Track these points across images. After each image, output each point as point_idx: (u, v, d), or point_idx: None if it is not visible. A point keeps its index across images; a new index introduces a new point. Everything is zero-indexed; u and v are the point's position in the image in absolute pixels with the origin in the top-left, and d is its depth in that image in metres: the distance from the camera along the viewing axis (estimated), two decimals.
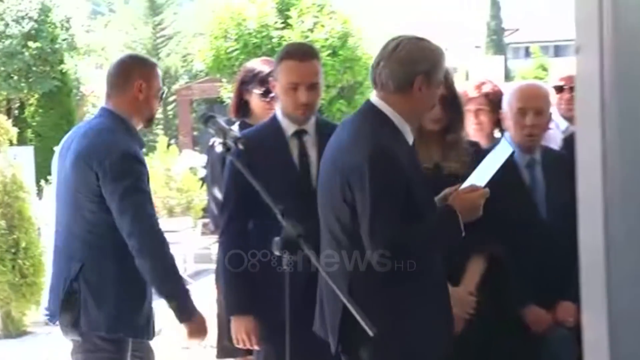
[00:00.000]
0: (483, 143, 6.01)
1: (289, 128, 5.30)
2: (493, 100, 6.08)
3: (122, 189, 5.32)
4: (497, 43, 52.58)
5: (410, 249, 4.63)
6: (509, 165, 5.29)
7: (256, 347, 5.32)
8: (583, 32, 1.90)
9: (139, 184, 5.38)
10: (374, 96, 4.90)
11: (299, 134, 5.32)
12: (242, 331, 5.27)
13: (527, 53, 57.80)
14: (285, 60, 5.24)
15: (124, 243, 5.31)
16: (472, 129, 6.15)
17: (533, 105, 5.57)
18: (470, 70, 37.13)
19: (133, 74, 5.65)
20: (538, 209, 5.54)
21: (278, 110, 5.39)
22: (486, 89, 6.20)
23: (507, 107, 5.61)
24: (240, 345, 5.34)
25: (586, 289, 2.05)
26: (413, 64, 4.67)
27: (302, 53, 5.41)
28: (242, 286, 5.25)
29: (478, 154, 5.48)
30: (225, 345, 6.38)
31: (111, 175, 5.36)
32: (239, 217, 5.35)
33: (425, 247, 4.53)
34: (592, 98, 1.91)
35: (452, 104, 5.26)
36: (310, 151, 5.31)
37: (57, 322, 5.54)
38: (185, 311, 5.54)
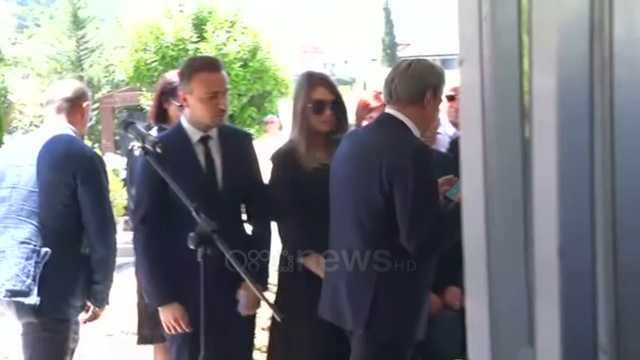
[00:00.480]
0: None
1: (195, 135, 5.29)
2: None
3: (95, 188, 5.82)
4: (391, 56, 52.94)
5: (443, 240, 4.71)
6: None
7: (187, 330, 5.29)
8: (465, 47, 1.92)
9: (106, 184, 5.65)
10: (389, 109, 5.13)
11: (204, 140, 5.30)
12: (170, 318, 5.25)
13: None
14: (200, 73, 5.21)
15: (81, 233, 5.53)
16: None
17: None
18: (367, 81, 37.36)
19: (84, 97, 6.23)
20: None
21: (183, 119, 5.36)
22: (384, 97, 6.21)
23: None
24: (172, 332, 5.31)
25: (469, 277, 2.07)
26: (424, 79, 4.99)
27: (214, 65, 5.46)
28: (162, 278, 5.22)
29: None
30: (144, 332, 6.38)
31: (87, 176, 5.85)
32: (153, 216, 5.32)
33: (451, 239, 4.63)
34: (473, 105, 1.93)
35: (339, 108, 5.31)
36: (215, 155, 5.33)
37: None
38: (107, 298, 5.98)
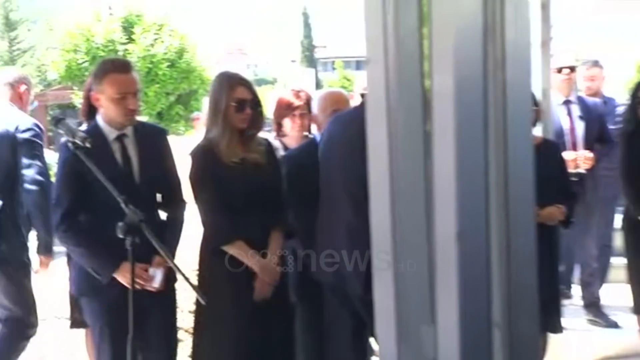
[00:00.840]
0: (296, 142, 6.16)
1: (111, 133, 5.22)
2: (308, 106, 6.16)
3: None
4: (310, 58, 53.06)
5: None
6: (314, 153, 5.51)
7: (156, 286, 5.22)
8: (371, 49, 1.95)
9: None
10: None
11: (120, 138, 5.27)
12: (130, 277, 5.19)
13: (334, 67, 58.76)
14: (111, 74, 5.15)
15: None
16: (295, 131, 6.26)
17: (341, 107, 5.62)
18: (288, 81, 37.36)
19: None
20: None
21: (99, 118, 5.31)
22: (304, 96, 6.30)
23: (319, 110, 5.67)
24: (142, 286, 5.21)
25: (376, 256, 2.10)
26: None
27: (125, 67, 5.34)
28: (102, 248, 5.14)
29: (271, 147, 5.65)
30: (75, 317, 6.33)
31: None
32: (75, 211, 5.27)
33: None
34: (379, 102, 1.96)
35: (257, 106, 5.31)
36: (131, 152, 5.26)
37: None
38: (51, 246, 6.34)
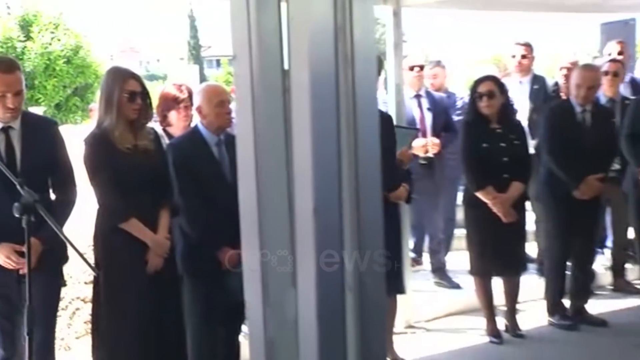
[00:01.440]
0: (180, 131, 6.18)
1: None
2: (191, 98, 6.16)
3: None
4: (196, 56, 52.62)
5: None
6: (202, 143, 5.60)
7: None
8: (237, 46, 1.95)
9: None
10: None
11: (5, 130, 5.15)
12: (4, 257, 5.03)
13: (218, 64, 58.45)
14: None
15: None
16: (181, 121, 6.27)
17: (223, 98, 5.63)
18: (176, 77, 36.94)
19: None
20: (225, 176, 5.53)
21: None
22: (186, 90, 6.34)
23: (204, 101, 5.64)
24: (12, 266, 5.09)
25: (244, 232, 2.11)
26: None
27: (8, 66, 5.12)
28: None
29: (158, 136, 5.64)
30: None
31: None
32: None
33: None
34: (245, 94, 1.96)
35: (145, 98, 5.28)
36: (15, 143, 5.13)
37: None
38: None
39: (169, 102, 6.34)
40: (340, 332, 1.98)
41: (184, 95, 6.35)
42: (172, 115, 6.32)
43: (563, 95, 8.36)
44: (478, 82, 7.04)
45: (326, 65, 1.86)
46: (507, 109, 7.08)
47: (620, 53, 9.09)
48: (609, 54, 9.16)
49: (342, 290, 1.97)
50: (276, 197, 2.01)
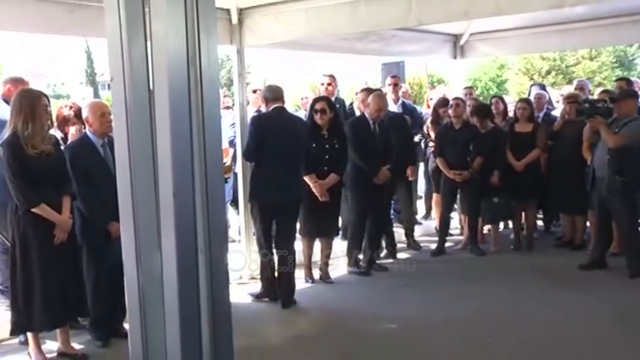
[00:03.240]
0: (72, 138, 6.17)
1: None
2: (80, 113, 6.13)
3: None
4: (92, 80, 50.44)
5: None
6: (91, 145, 5.58)
7: None
8: (114, 70, 1.88)
9: None
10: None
11: None
12: None
13: (109, 87, 56.92)
14: None
15: None
16: (78, 133, 6.20)
17: (107, 110, 5.59)
18: (76, 96, 35.54)
19: None
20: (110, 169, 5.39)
21: None
22: (75, 107, 6.45)
23: (91, 114, 5.56)
24: None
25: (122, 211, 2.04)
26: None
27: None
28: None
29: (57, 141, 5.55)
30: None
31: None
32: None
33: None
34: (121, 106, 1.90)
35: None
36: None
37: None
38: None
39: (63, 121, 6.39)
40: (194, 284, 1.94)
41: (72, 113, 6.39)
42: (70, 129, 6.31)
43: (358, 112, 8.51)
44: (315, 101, 7.15)
45: (181, 86, 1.83)
46: (336, 121, 7.18)
47: (395, 84, 9.38)
48: (389, 84, 9.45)
49: (196, 252, 1.93)
50: (145, 184, 1.95)
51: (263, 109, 7.31)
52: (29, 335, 5.22)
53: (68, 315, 5.36)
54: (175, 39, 1.82)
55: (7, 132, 5.02)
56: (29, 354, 5.22)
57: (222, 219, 2.09)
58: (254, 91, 8.65)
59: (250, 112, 8.09)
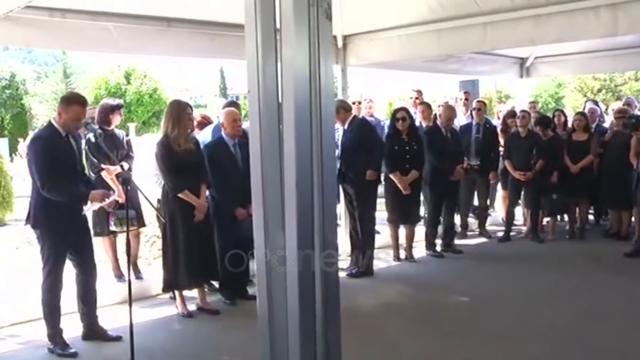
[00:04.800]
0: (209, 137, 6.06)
1: None
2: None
3: None
4: (224, 93, 50.50)
5: None
6: (224, 144, 5.53)
7: None
8: (251, 84, 1.91)
9: None
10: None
11: None
12: None
13: (237, 98, 58.30)
14: None
15: None
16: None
17: (237, 117, 5.65)
18: (212, 106, 36.39)
19: None
20: (239, 165, 5.46)
21: None
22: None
23: (225, 119, 5.61)
24: None
25: (254, 192, 2.05)
26: None
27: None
28: None
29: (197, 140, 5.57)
30: None
31: None
32: None
33: None
34: (255, 114, 1.92)
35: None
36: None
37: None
38: None
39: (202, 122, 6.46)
40: (310, 258, 1.94)
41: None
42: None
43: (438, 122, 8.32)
44: (396, 111, 7.06)
45: (304, 98, 1.84)
46: (413, 127, 7.09)
47: (466, 99, 9.14)
48: (460, 99, 9.25)
49: (312, 232, 1.94)
50: (273, 176, 1.98)
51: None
52: (176, 292, 5.39)
53: (204, 277, 5.51)
54: (300, 60, 1.83)
55: (160, 134, 5.17)
56: (176, 306, 5.39)
57: (333, 204, 2.08)
58: (354, 102, 8.56)
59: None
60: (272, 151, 1.96)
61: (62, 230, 4.38)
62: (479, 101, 8.75)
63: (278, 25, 1.85)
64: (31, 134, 4.86)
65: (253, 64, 1.88)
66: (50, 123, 4.51)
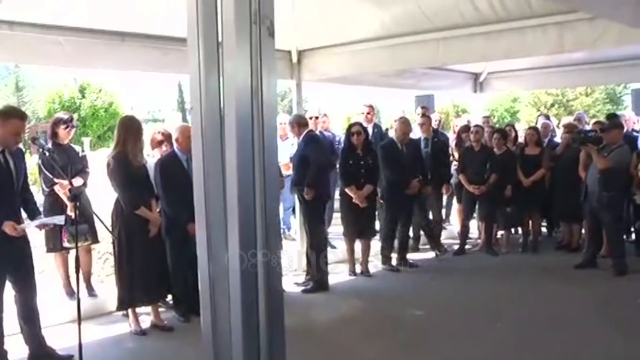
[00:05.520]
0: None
1: None
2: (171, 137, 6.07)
3: None
4: (182, 108, 50.09)
5: None
6: (177, 160, 5.32)
7: None
8: (193, 100, 1.91)
9: None
10: None
11: None
12: None
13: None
14: None
15: None
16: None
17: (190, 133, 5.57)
18: (170, 120, 35.96)
19: None
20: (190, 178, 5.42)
21: None
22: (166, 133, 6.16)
23: (180, 135, 5.55)
24: None
25: (197, 213, 2.04)
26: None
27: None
28: None
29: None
30: None
31: None
32: None
33: None
34: (197, 130, 1.92)
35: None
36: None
37: None
38: None
39: (156, 143, 6.34)
40: (254, 276, 1.93)
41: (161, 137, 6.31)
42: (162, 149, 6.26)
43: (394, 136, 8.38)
44: (351, 126, 7.14)
45: (246, 113, 1.84)
46: (368, 141, 7.15)
47: (424, 114, 9.22)
48: (418, 113, 9.33)
49: (255, 248, 1.93)
50: (216, 191, 1.97)
51: (290, 134, 7.34)
52: (129, 310, 5.29)
53: (159, 293, 5.43)
54: (242, 75, 1.84)
55: (112, 150, 5.10)
56: (129, 324, 5.29)
57: (276, 220, 2.08)
58: (310, 117, 8.56)
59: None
60: (214, 166, 1.96)
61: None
62: (422, 116, 8.87)
63: (220, 40, 1.86)
64: None
65: (195, 79, 1.89)
66: None
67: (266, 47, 1.85)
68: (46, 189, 5.64)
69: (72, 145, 5.94)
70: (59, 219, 4.56)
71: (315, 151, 6.59)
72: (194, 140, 1.99)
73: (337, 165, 7.40)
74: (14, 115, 4.32)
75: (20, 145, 4.56)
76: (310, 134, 6.81)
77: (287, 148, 8.26)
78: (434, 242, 8.48)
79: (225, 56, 1.83)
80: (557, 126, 10.70)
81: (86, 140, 18.90)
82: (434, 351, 4.75)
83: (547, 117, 10.90)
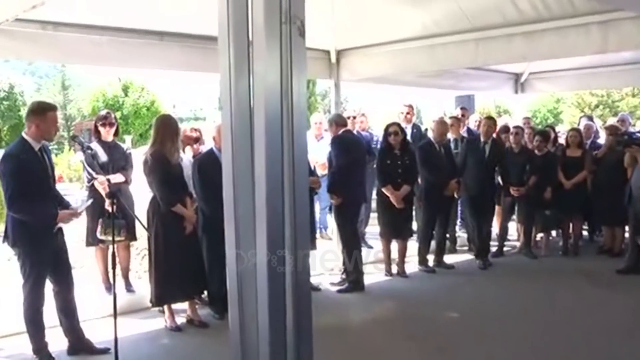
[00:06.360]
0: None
1: None
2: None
3: None
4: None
5: None
6: (215, 158, 5.33)
7: None
8: (223, 99, 1.92)
9: None
10: None
11: None
12: None
13: None
14: None
15: None
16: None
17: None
18: (212, 118, 36.32)
19: None
20: None
21: None
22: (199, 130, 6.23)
23: (217, 132, 5.55)
24: None
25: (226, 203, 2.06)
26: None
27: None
28: None
29: None
30: None
31: None
32: None
33: None
34: (227, 128, 1.93)
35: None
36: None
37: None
38: None
39: (188, 140, 6.41)
40: (281, 276, 1.94)
41: (196, 134, 6.45)
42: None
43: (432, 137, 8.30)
44: (388, 126, 7.08)
45: (275, 113, 1.85)
46: (405, 141, 7.09)
47: (463, 115, 9.13)
48: (457, 115, 9.22)
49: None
50: (245, 190, 1.98)
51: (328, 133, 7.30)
52: (165, 306, 5.35)
53: (196, 290, 5.49)
54: (272, 75, 1.84)
55: (149, 148, 5.15)
56: (165, 320, 5.36)
57: (305, 220, 2.07)
58: (348, 117, 8.54)
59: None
60: (243, 165, 1.97)
61: (40, 248, 4.31)
62: (451, 117, 8.77)
63: (251, 40, 1.87)
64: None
65: (226, 79, 1.90)
66: (22, 137, 4.36)
67: (296, 47, 1.86)
68: (87, 185, 5.80)
69: (117, 142, 6.07)
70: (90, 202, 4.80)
71: (340, 153, 6.51)
72: (224, 140, 2.00)
73: (374, 165, 7.35)
74: (49, 108, 4.45)
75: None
76: (340, 134, 6.71)
77: (323, 148, 8.23)
78: (482, 255, 7.95)
79: (255, 56, 1.84)
80: (601, 127, 10.48)
81: (128, 138, 19.25)
82: (469, 355, 4.68)
83: (590, 119, 10.65)
